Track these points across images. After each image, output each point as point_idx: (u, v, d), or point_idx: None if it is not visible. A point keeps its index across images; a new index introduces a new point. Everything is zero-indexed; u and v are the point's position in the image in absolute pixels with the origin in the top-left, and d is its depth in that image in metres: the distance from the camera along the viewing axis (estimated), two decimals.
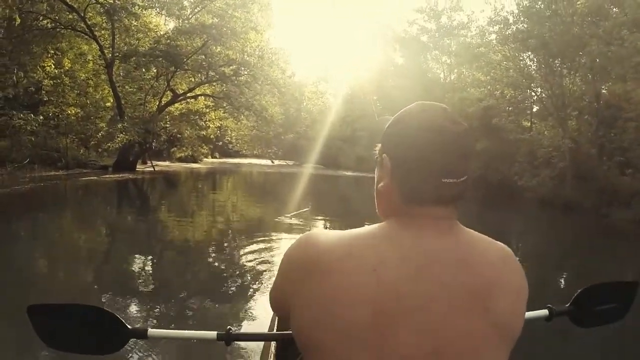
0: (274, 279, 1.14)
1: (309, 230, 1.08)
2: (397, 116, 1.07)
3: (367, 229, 1.00)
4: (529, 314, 1.60)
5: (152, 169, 30.92)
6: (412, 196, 1.00)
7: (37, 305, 1.41)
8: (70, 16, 25.85)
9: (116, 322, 1.44)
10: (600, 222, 16.67)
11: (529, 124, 28.29)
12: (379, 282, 0.90)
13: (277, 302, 1.11)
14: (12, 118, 20.60)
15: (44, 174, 21.78)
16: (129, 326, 1.45)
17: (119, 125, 26.09)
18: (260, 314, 5.34)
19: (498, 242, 1.05)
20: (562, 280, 8.56)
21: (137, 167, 30.32)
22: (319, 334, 0.91)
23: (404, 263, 0.93)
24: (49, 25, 25.86)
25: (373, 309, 0.89)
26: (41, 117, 23.08)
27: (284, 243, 9.27)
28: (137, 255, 8.50)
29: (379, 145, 1.10)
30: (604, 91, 22.19)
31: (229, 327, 1.51)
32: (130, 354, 4.13)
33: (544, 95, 25.27)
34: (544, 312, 1.68)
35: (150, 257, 8.49)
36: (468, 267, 0.96)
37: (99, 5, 26.20)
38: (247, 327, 5.08)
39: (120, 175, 25.18)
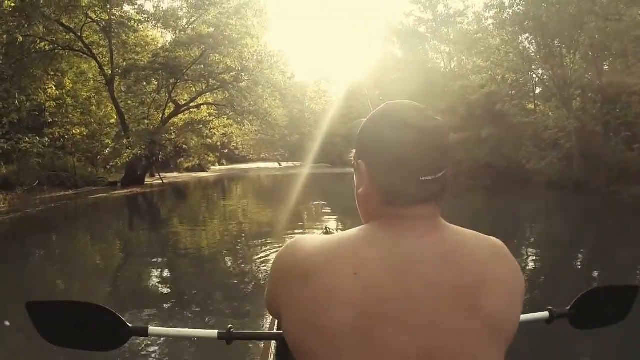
0: None
1: (312, 233, 1.09)
2: (367, 119, 1.06)
3: (349, 232, 1.00)
4: (529, 316, 1.62)
5: (161, 182, 31.05)
6: (391, 198, 0.98)
7: (36, 302, 1.41)
8: (67, 37, 26.07)
9: (116, 319, 1.44)
10: (610, 200, 16.57)
11: (533, 107, 28.15)
12: (361, 284, 0.90)
13: (270, 306, 1.11)
14: (19, 142, 20.78)
15: (54, 195, 21.97)
16: (129, 324, 1.45)
17: (125, 141, 26.25)
18: (262, 314, 5.36)
19: (488, 237, 1.03)
20: (577, 266, 8.49)
21: (146, 180, 30.48)
22: (306, 337, 0.92)
23: (386, 265, 0.92)
24: (47, 48, 26.06)
25: (356, 311, 0.88)
26: (47, 139, 23.29)
27: None
28: (144, 263, 8.65)
29: (354, 150, 1.09)
30: (605, 67, 22.03)
31: (230, 326, 1.52)
32: (131, 352, 4.17)
33: (545, 76, 25.14)
34: (544, 314, 1.67)
35: (157, 263, 8.66)
36: (454, 265, 0.94)
37: (95, 24, 26.41)
38: (248, 327, 5.10)
39: (130, 190, 25.36)
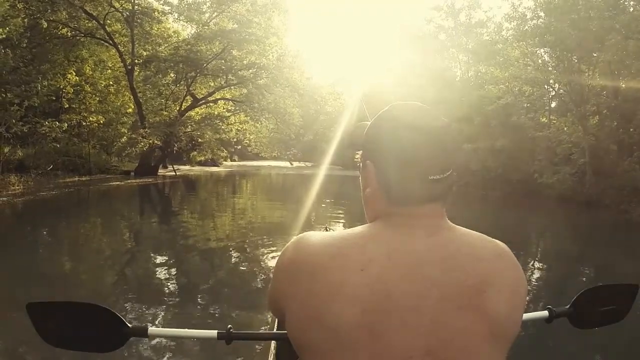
0: None
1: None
2: (374, 120, 1.06)
3: (356, 229, 1.01)
4: (529, 316, 1.63)
5: (174, 173, 31.18)
6: (400, 197, 0.99)
7: (36, 302, 1.42)
8: (89, 24, 26.27)
9: (116, 320, 1.45)
10: (620, 219, 16.48)
11: (547, 121, 27.99)
12: (367, 281, 0.91)
13: (273, 304, 1.10)
14: (36, 126, 20.97)
15: (68, 180, 22.20)
16: (129, 324, 1.46)
17: (141, 131, 26.43)
18: (262, 313, 5.36)
19: (492, 239, 1.04)
20: (583, 279, 8.51)
21: (159, 171, 30.63)
22: (311, 334, 0.92)
23: (392, 262, 0.93)
24: (69, 34, 26.28)
25: (362, 308, 0.89)
26: (66, 125, 23.54)
27: None
28: (148, 257, 8.68)
29: (360, 152, 1.10)
30: (622, 85, 21.88)
31: (229, 326, 1.53)
32: (130, 352, 4.15)
33: (562, 91, 25.02)
34: (543, 313, 1.68)
35: (161, 259, 8.63)
36: (459, 265, 0.95)
37: (118, 13, 26.60)
38: (248, 327, 5.06)
39: (143, 180, 25.51)
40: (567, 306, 1.70)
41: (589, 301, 1.70)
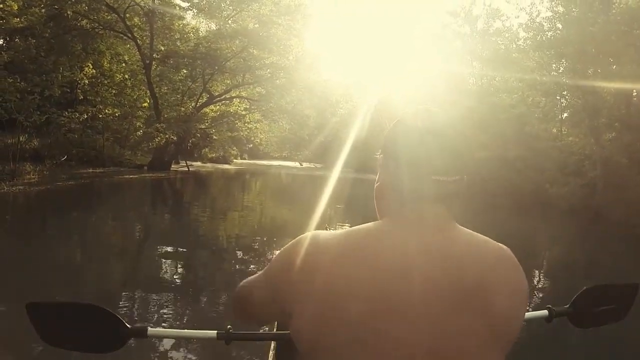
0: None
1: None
2: (395, 121, 1.10)
3: (362, 227, 1.02)
4: (529, 315, 1.66)
5: (187, 169, 31.34)
6: (404, 194, 1.02)
7: (35, 303, 1.42)
8: (109, 17, 26.43)
9: (116, 320, 1.44)
10: (630, 233, 16.43)
11: (559, 132, 27.93)
12: (372, 279, 0.93)
13: (270, 304, 1.10)
14: (53, 116, 21.13)
15: (82, 172, 22.30)
16: (128, 325, 1.46)
17: (158, 125, 26.59)
18: None
19: (494, 242, 1.05)
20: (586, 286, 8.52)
21: (171, 166, 30.79)
22: (316, 331, 0.93)
23: (395, 261, 0.95)
24: (88, 26, 26.45)
25: (367, 306, 0.91)
26: (85, 116, 23.75)
27: None
28: (155, 254, 8.64)
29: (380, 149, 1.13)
30: (634, 100, 21.84)
31: (229, 326, 1.54)
32: (130, 353, 4.09)
33: (575, 102, 24.98)
34: (543, 312, 1.69)
35: (168, 256, 8.57)
36: (460, 265, 0.97)
37: (138, 7, 26.75)
38: (248, 327, 5.02)
39: (156, 175, 25.66)
40: (567, 305, 1.73)
41: (588, 301, 1.73)
